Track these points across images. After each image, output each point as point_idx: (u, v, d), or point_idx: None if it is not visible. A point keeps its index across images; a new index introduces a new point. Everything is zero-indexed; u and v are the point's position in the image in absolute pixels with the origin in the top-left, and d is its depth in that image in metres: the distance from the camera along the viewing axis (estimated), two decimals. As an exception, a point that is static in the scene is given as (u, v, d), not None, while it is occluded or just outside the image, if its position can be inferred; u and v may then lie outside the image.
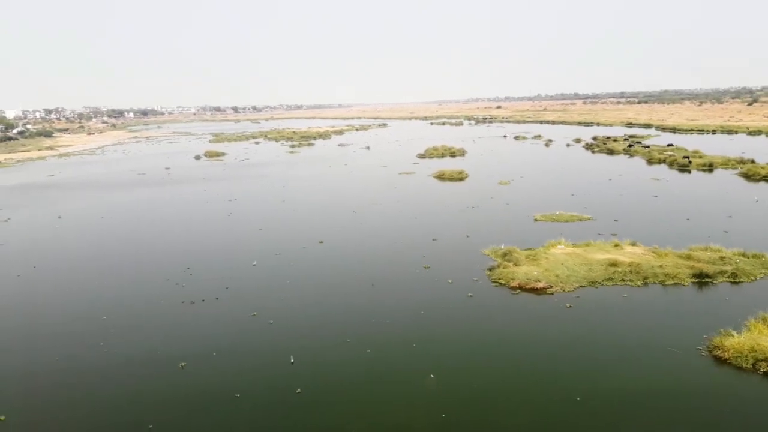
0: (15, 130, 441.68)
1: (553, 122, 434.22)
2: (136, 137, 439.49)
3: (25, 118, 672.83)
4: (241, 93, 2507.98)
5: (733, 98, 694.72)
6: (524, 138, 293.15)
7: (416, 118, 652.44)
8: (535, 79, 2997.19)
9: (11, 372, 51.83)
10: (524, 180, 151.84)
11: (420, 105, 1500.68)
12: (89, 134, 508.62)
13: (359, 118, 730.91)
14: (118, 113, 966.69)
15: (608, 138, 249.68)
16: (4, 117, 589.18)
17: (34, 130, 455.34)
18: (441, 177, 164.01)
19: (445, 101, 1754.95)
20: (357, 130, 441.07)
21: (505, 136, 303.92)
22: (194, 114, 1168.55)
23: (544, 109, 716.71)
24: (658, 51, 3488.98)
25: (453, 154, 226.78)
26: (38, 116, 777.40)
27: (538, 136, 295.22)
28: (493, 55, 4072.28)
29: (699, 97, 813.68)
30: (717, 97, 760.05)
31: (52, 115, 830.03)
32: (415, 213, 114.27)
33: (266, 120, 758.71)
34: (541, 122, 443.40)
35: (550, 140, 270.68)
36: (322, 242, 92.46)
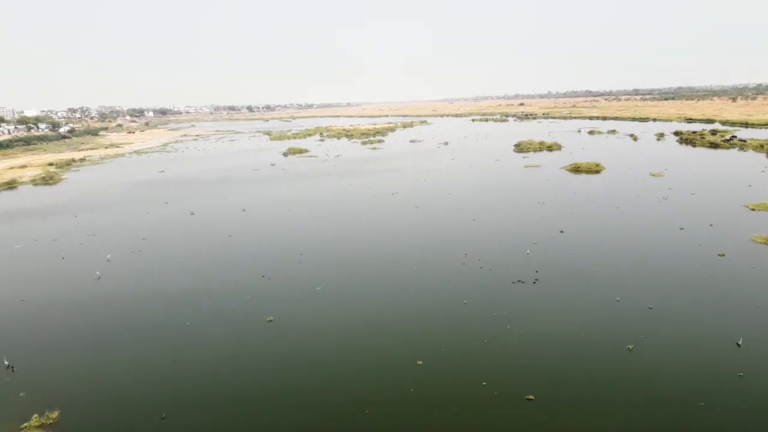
0: (62, 129, 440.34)
1: (604, 118, 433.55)
2: (185, 135, 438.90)
3: (47, 116, 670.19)
4: (250, 92, 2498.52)
5: (757, 94, 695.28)
6: (599, 133, 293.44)
7: (446, 115, 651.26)
8: (544, 77, 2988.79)
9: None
10: (674, 172, 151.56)
11: (431, 103, 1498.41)
12: (129, 132, 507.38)
13: (386, 116, 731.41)
14: (139, 112, 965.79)
15: (694, 133, 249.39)
16: (26, 116, 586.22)
17: (81, 129, 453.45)
18: (576, 170, 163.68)
19: (454, 99, 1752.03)
20: (404, 127, 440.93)
21: (579, 131, 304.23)
22: (211, 113, 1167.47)
23: (573, 106, 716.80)
24: (665, 48, 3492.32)
25: (550, 148, 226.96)
26: (60, 115, 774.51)
27: (613, 131, 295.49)
28: (501, 54, 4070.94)
29: (718, 93, 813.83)
30: (738, 93, 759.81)
31: (77, 115, 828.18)
32: (617, 203, 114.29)
33: (293, 119, 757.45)
34: (590, 118, 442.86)
35: (632, 134, 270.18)
36: (562, 232, 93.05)
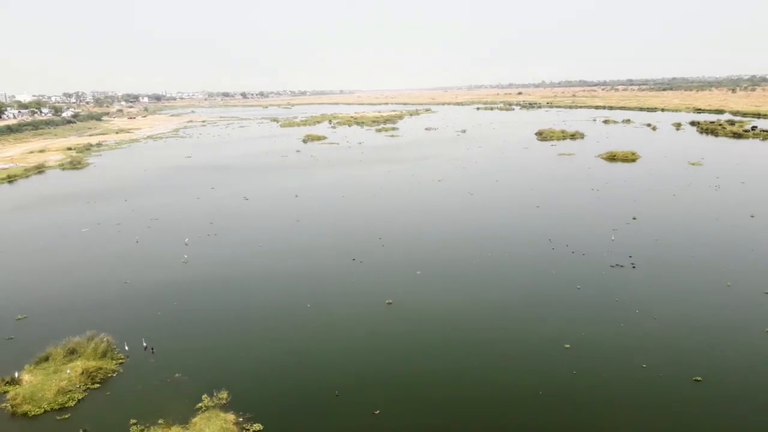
0: (65, 114, 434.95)
1: (610, 107, 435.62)
2: (190, 121, 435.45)
3: (45, 101, 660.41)
4: (241, 79, 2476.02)
5: (754, 85, 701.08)
6: (614, 122, 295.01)
7: (447, 104, 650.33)
8: (538, 67, 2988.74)
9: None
10: (711, 161, 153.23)
11: (425, 91, 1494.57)
12: (130, 118, 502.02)
13: (385, 103, 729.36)
14: (134, 98, 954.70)
15: (712, 123, 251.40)
16: (19, 100, 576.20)
17: (84, 114, 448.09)
18: (612, 158, 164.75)
19: (448, 88, 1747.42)
20: (410, 115, 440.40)
21: (594, 120, 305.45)
22: (205, 100, 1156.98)
23: (573, 95, 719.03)
24: (658, 39, 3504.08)
25: (573, 137, 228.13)
26: (55, 100, 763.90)
27: (628, 120, 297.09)
28: (494, 44, 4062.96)
29: (713, 84, 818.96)
30: (734, 84, 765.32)
31: (72, 99, 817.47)
32: (671, 191, 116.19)
33: (292, 105, 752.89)
34: (596, 107, 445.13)
35: (648, 124, 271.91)
36: (635, 218, 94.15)
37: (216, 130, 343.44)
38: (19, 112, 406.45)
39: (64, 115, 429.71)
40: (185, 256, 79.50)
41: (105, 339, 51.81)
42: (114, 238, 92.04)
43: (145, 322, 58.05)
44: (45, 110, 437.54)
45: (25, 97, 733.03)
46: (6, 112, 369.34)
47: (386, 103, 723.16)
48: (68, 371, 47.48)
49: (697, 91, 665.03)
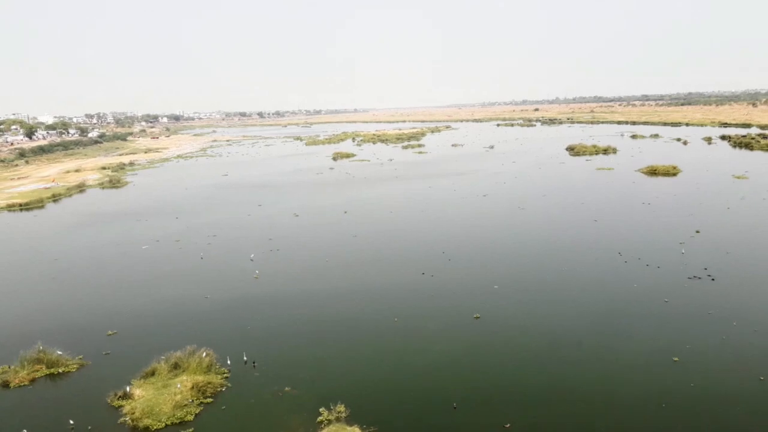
0: (91, 134, 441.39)
1: (633, 122, 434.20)
2: (215, 141, 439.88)
3: (70, 123, 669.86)
4: (254, 99, 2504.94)
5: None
6: (641, 137, 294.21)
7: (464, 120, 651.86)
8: (552, 83, 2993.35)
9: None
10: (756, 175, 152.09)
11: (439, 109, 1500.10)
12: (153, 138, 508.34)
13: (403, 121, 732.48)
14: (153, 118, 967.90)
15: (744, 137, 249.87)
16: (42, 123, 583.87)
17: (110, 135, 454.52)
18: (653, 172, 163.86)
19: (462, 105, 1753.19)
20: (431, 132, 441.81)
21: (622, 135, 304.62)
22: (223, 119, 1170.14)
23: (591, 111, 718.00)
24: (672, 55, 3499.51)
25: (605, 152, 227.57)
26: (76, 121, 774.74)
27: (656, 135, 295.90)
28: (508, 61, 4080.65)
29: (731, 99, 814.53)
30: (752, 98, 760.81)
31: (93, 120, 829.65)
32: (725, 205, 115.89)
33: (310, 125, 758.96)
34: (618, 122, 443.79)
35: (678, 138, 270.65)
36: (698, 232, 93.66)
37: (243, 149, 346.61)
38: (48, 132, 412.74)
39: (90, 135, 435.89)
40: (256, 272, 79.88)
41: (206, 353, 51.84)
42: (177, 255, 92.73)
43: (235, 336, 58.25)
44: (72, 131, 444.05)
45: (48, 119, 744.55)
46: (36, 133, 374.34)
47: (404, 121, 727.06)
48: (178, 386, 47.55)
49: (717, 105, 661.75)
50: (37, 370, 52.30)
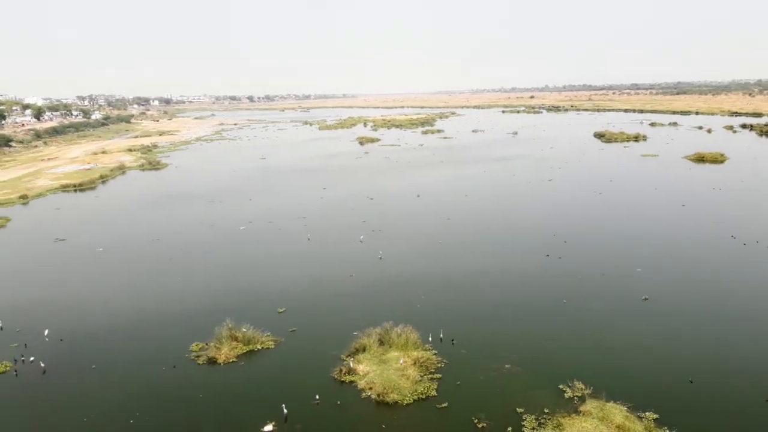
0: (94, 117, 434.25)
1: (641, 110, 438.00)
2: (221, 124, 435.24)
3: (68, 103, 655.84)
4: (242, 83, 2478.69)
5: (763, 89, 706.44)
6: (661, 125, 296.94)
7: (465, 107, 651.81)
8: (539, 71, 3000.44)
9: None
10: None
11: (429, 95, 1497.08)
12: (154, 120, 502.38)
13: (401, 107, 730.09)
14: (144, 101, 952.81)
15: (765, 125, 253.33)
16: (35, 104, 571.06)
17: (114, 117, 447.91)
18: (701, 159, 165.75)
19: (452, 92, 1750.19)
20: (440, 118, 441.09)
21: (641, 122, 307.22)
22: (213, 103, 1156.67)
23: (589, 99, 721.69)
24: (659, 44, 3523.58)
25: (636, 139, 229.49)
26: (65, 103, 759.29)
27: (674, 123, 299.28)
28: (496, 48, 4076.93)
29: (721, 89, 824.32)
30: (742, 88, 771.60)
31: (86, 102, 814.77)
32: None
33: (308, 109, 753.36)
34: (626, 110, 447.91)
35: (700, 127, 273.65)
36: None
37: (255, 132, 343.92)
38: (52, 114, 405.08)
39: (93, 117, 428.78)
40: (380, 252, 79.72)
41: (406, 330, 52.04)
42: (279, 236, 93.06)
43: (402, 314, 58.00)
44: (75, 112, 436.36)
45: (36, 101, 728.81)
46: (44, 115, 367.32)
47: (401, 107, 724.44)
48: (401, 361, 47.80)
49: (714, 95, 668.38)
50: (235, 347, 52.01)
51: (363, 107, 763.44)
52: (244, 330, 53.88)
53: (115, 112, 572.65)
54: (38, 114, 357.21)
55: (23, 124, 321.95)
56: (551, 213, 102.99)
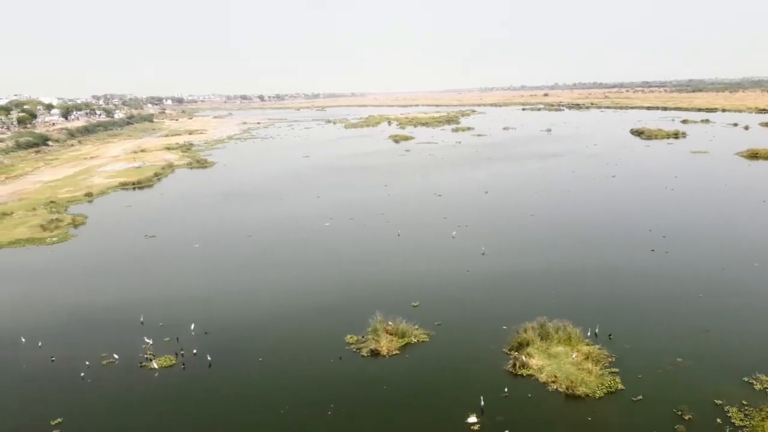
0: (116, 116, 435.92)
1: (664, 108, 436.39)
2: (245, 123, 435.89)
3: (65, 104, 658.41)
4: (249, 82, 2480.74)
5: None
6: (693, 122, 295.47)
7: (482, 105, 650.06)
8: (540, 70, 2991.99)
9: None
10: None
11: (440, 94, 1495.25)
12: (172, 119, 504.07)
13: (415, 105, 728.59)
14: (158, 100, 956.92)
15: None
16: (49, 104, 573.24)
17: (137, 117, 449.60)
18: (754, 156, 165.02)
19: (461, 90, 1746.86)
20: (463, 116, 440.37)
21: (672, 120, 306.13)
22: (224, 102, 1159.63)
23: (605, 96, 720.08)
24: (662, 45, 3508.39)
25: (676, 136, 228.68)
26: (79, 102, 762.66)
27: (706, 120, 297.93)
28: (494, 47, 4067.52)
29: (734, 86, 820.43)
30: (755, 85, 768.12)
31: (101, 102, 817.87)
32: None
33: (324, 107, 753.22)
34: (648, 108, 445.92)
35: (735, 123, 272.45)
36: None
37: (283, 131, 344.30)
38: (77, 113, 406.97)
39: (116, 116, 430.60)
40: (482, 248, 79.64)
41: (564, 325, 51.93)
42: (366, 232, 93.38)
43: (543, 308, 57.77)
44: (98, 112, 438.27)
45: (52, 100, 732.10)
46: (72, 114, 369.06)
47: (415, 105, 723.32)
48: (573, 356, 47.71)
49: (730, 92, 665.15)
50: (392, 340, 52.08)
51: (376, 105, 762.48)
52: (397, 323, 53.89)
53: (135, 112, 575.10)
54: (66, 113, 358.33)
55: (53, 123, 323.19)
56: (634, 209, 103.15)
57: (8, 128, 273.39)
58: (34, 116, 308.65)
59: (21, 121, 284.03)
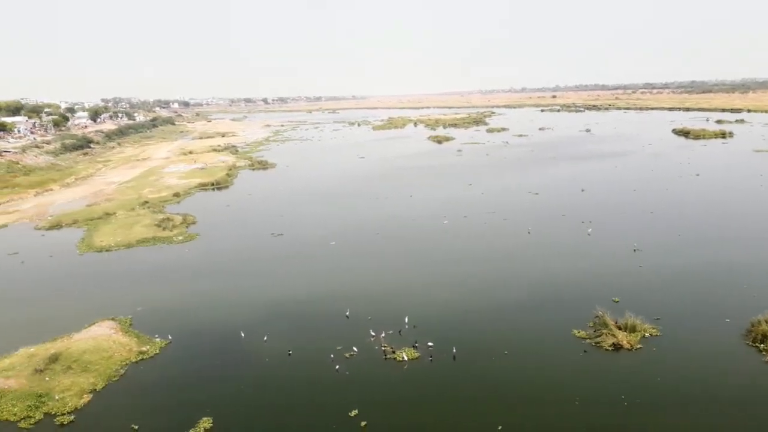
0: (138, 119, 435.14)
1: (686, 109, 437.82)
2: (268, 125, 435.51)
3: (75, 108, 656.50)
4: (249, 84, 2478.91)
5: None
6: (728, 122, 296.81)
7: (496, 106, 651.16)
8: (540, 70, 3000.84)
9: None
10: None
11: (443, 96, 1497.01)
12: (188, 122, 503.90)
13: (426, 107, 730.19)
14: (165, 104, 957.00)
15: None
16: (69, 107, 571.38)
17: (160, 120, 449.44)
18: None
19: (464, 92, 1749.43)
20: (485, 117, 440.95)
21: (707, 120, 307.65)
22: (230, 105, 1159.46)
23: (616, 98, 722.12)
24: (662, 45, 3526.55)
25: (723, 135, 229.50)
26: (87, 105, 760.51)
27: (741, 121, 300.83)
28: (494, 47, 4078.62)
29: (740, 87, 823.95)
30: (760, 86, 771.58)
31: (110, 105, 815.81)
32: None
33: (335, 110, 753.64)
34: (670, 109, 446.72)
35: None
36: None
37: (312, 133, 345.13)
38: (103, 116, 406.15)
39: (138, 119, 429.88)
40: (635, 244, 79.69)
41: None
42: (491, 230, 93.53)
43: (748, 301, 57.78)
44: (120, 115, 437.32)
45: (61, 104, 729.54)
46: (101, 116, 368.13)
47: (426, 107, 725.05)
48: None
49: (743, 93, 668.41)
50: (628, 335, 52.00)
51: (386, 108, 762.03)
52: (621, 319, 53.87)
53: (151, 115, 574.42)
54: (94, 116, 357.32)
55: (85, 126, 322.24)
56: (744, 209, 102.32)
57: (46, 130, 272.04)
58: (66, 119, 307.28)
59: (56, 124, 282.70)
